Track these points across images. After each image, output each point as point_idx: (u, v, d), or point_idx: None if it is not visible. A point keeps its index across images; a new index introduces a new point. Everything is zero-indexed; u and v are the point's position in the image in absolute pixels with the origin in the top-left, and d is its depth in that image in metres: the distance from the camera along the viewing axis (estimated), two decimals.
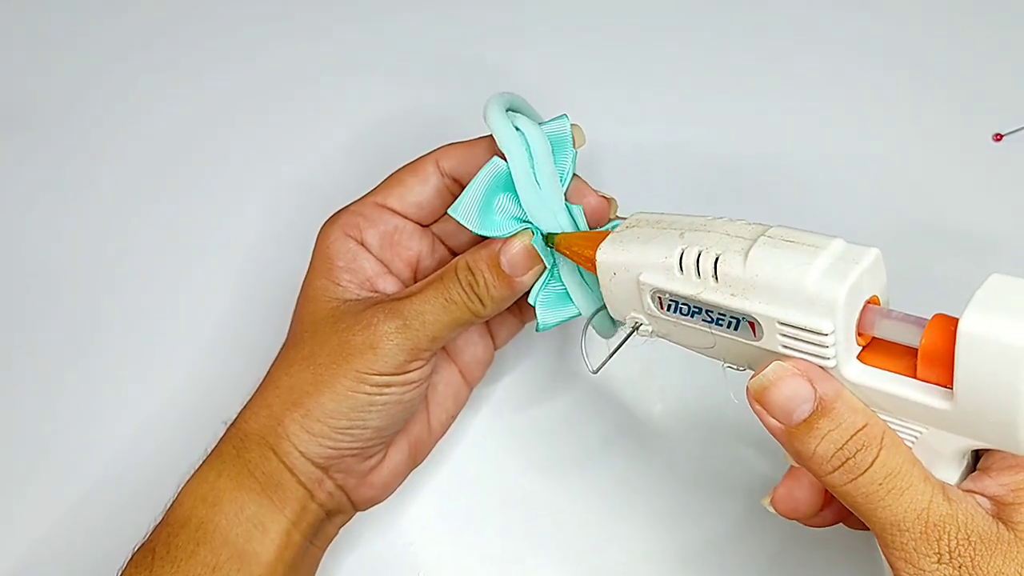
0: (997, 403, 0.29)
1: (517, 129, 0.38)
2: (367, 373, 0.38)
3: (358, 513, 0.43)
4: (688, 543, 0.46)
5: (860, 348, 0.33)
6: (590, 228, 0.40)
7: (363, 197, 0.42)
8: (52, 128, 0.56)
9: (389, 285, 0.41)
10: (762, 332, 0.32)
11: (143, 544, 0.38)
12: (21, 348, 0.52)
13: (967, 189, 0.51)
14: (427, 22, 0.57)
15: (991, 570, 0.29)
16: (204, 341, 0.51)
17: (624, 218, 0.40)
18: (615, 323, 0.41)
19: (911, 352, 0.31)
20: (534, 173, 0.38)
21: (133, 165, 0.55)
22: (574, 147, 0.39)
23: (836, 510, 0.36)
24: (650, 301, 0.35)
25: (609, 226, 0.40)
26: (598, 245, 0.36)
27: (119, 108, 0.57)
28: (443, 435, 0.45)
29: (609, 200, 0.41)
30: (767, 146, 0.53)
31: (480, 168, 0.38)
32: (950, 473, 0.32)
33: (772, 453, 0.46)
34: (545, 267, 0.39)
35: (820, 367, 0.32)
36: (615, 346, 0.38)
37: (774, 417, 0.32)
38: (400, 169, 0.42)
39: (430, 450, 0.44)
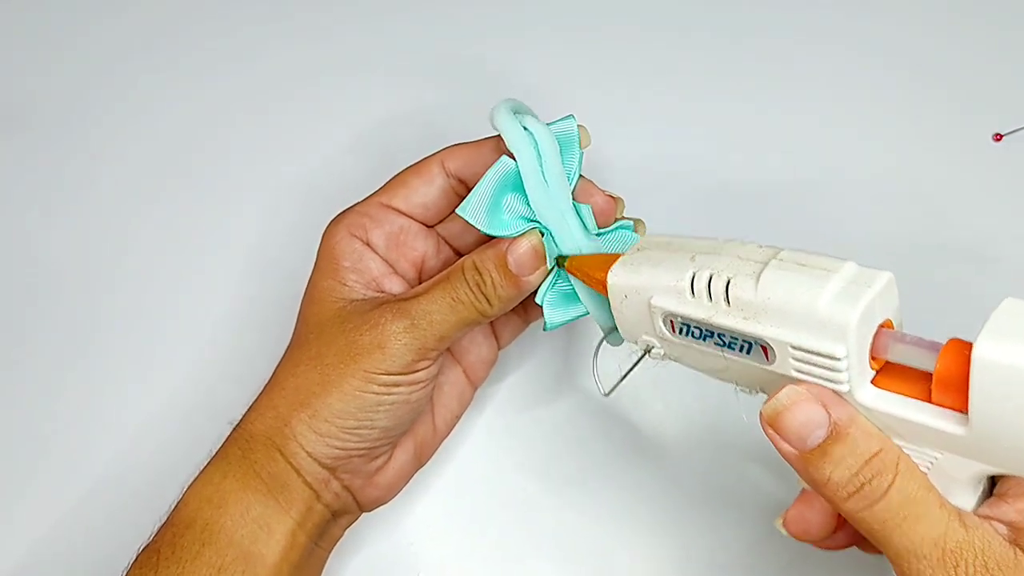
0: (1012, 428, 0.29)
1: (525, 129, 0.38)
2: (375, 373, 0.38)
3: (362, 514, 0.43)
4: (692, 550, 0.46)
5: (874, 372, 0.33)
6: (598, 227, 0.40)
7: (368, 197, 0.42)
8: (52, 128, 0.56)
9: (395, 285, 0.41)
10: (775, 356, 0.32)
11: (148, 545, 0.38)
12: (21, 348, 0.52)
13: (967, 189, 0.51)
14: (428, 22, 0.57)
15: None
16: (207, 342, 0.51)
17: (630, 219, 0.40)
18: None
19: (925, 376, 0.31)
20: (542, 172, 0.38)
21: (133, 165, 0.55)
22: (581, 147, 0.39)
23: (849, 533, 0.36)
24: (662, 324, 0.35)
25: (615, 226, 0.40)
26: (609, 267, 0.36)
27: (119, 108, 0.57)
28: (448, 435, 0.45)
29: (616, 200, 0.41)
30: (766, 146, 0.53)
31: (486, 168, 0.38)
32: (966, 499, 0.32)
33: (779, 470, 0.46)
34: (552, 267, 0.39)
35: (834, 392, 0.32)
36: (626, 369, 0.38)
37: (788, 442, 0.32)
38: (405, 170, 0.42)
39: (435, 450, 0.44)
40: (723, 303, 0.33)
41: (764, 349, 0.32)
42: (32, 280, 0.53)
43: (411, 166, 0.42)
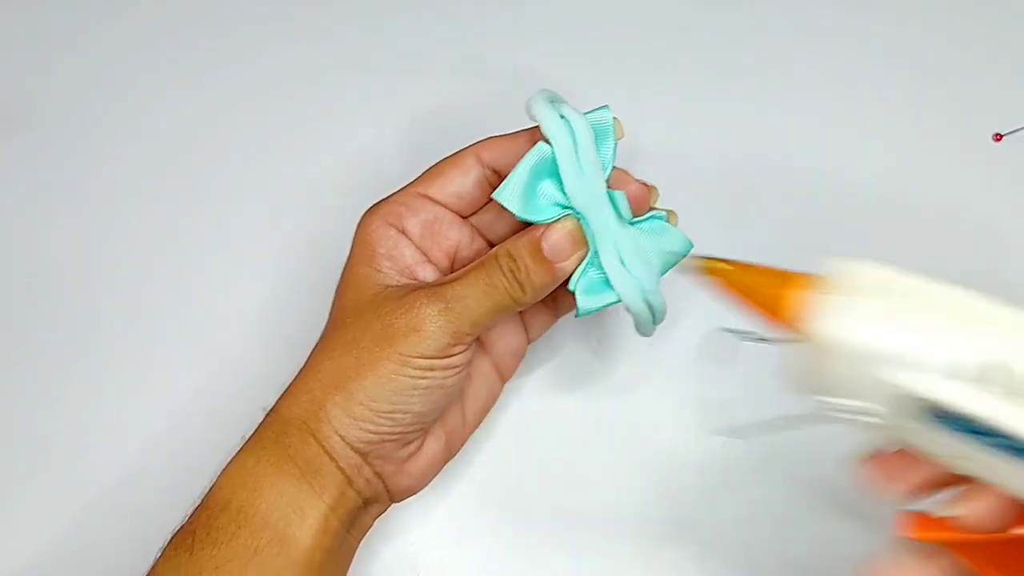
0: None
1: (562, 117, 0.38)
2: (410, 356, 0.38)
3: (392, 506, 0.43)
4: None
5: None
6: (633, 216, 0.40)
7: (404, 188, 0.42)
8: (60, 125, 0.56)
9: (428, 273, 0.42)
10: None
11: (182, 527, 0.39)
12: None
13: (967, 189, 0.52)
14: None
15: None
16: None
17: (663, 209, 0.41)
18: (656, 321, 0.41)
19: None
20: (578, 158, 0.39)
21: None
22: (615, 138, 0.40)
23: None
24: (920, 413, 0.27)
25: (648, 216, 0.41)
26: (784, 286, 0.28)
27: (121, 107, 0.56)
28: (477, 427, 0.45)
29: (650, 188, 0.41)
30: (764, 146, 0.53)
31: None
32: None
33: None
34: (586, 253, 0.39)
35: None
36: (788, 421, 0.31)
37: None
38: (441, 161, 0.43)
39: (464, 442, 0.45)
40: None
41: None
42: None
43: (447, 157, 0.42)
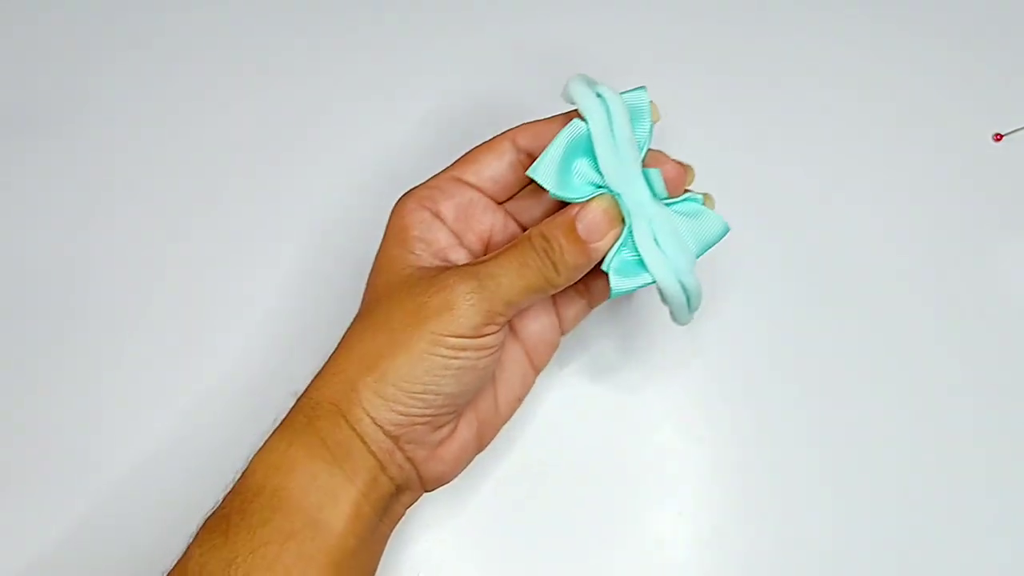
0: None
1: (598, 96, 0.39)
2: (443, 335, 0.38)
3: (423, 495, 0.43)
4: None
5: None
6: (668, 195, 0.40)
7: (440, 172, 0.43)
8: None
9: (461, 257, 0.42)
10: None
11: (216, 511, 0.38)
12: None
13: (967, 189, 0.52)
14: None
15: None
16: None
17: (698, 192, 0.41)
18: (691, 307, 0.41)
19: None
20: (613, 135, 0.39)
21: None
22: (652, 119, 0.40)
23: None
24: None
25: (684, 197, 0.41)
26: None
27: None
28: (509, 418, 0.44)
29: (686, 168, 0.41)
30: (764, 145, 0.54)
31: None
32: None
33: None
34: (620, 233, 0.39)
35: None
36: None
37: None
38: (477, 146, 0.43)
39: (496, 433, 0.44)
40: None
41: None
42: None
43: (483, 142, 0.43)
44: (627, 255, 0.40)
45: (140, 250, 0.53)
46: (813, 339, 0.50)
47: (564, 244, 0.39)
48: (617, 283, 0.39)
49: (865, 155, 0.53)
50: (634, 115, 0.39)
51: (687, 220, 0.40)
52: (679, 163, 0.41)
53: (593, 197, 0.39)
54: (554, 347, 0.45)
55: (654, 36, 0.56)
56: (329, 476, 0.38)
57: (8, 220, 0.54)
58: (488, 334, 0.39)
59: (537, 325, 0.44)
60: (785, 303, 0.51)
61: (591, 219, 0.39)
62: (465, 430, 0.42)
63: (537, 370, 0.45)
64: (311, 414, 0.39)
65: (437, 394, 0.39)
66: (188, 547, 0.38)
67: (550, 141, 0.39)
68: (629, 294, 0.41)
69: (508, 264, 0.39)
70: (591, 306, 0.45)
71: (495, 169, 0.42)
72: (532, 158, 0.41)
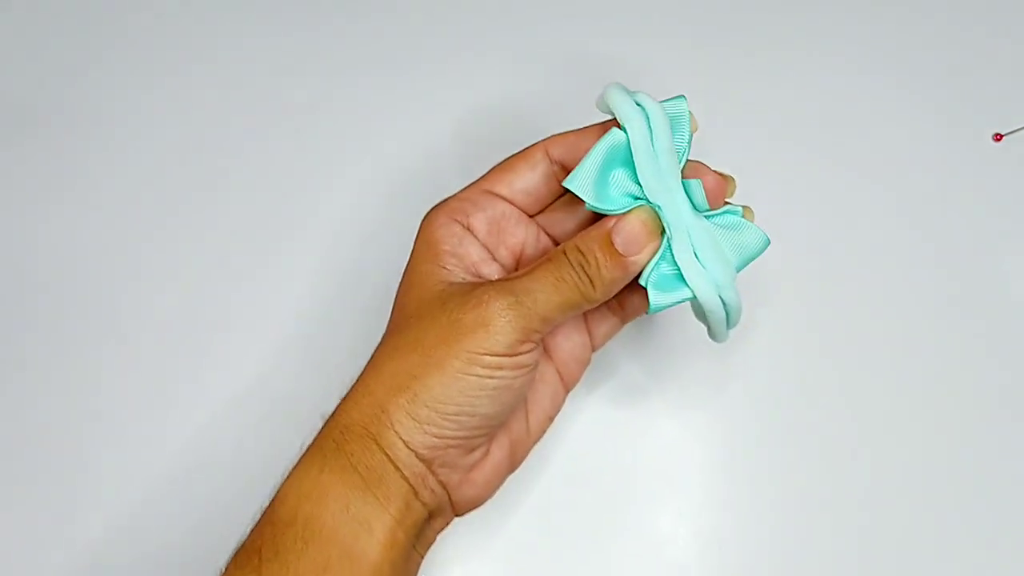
0: None
1: (637, 104, 0.37)
2: (479, 353, 0.36)
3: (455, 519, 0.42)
4: None
5: None
6: (709, 207, 0.39)
7: (470, 184, 0.41)
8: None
9: (493, 272, 0.40)
10: None
11: (245, 543, 0.37)
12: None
13: (967, 189, 0.52)
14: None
15: None
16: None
17: (738, 205, 0.40)
18: (731, 323, 0.40)
19: None
20: (653, 145, 0.37)
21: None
22: (691, 129, 0.39)
23: None
24: None
25: (724, 210, 0.39)
26: None
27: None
28: (540, 437, 0.43)
29: (727, 179, 0.40)
30: (762, 145, 0.53)
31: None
32: None
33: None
34: (659, 246, 0.38)
35: None
36: None
37: None
38: (509, 157, 0.41)
39: (528, 452, 0.43)
40: None
41: None
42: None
43: (514, 154, 0.41)
44: (666, 269, 0.38)
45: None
46: (812, 339, 0.50)
47: (600, 258, 0.37)
48: (656, 298, 0.38)
49: (865, 155, 0.53)
50: (673, 124, 0.38)
51: (727, 233, 0.39)
52: (720, 174, 0.39)
53: (631, 209, 0.38)
54: (585, 364, 0.44)
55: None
56: (363, 503, 0.36)
57: (9, 221, 0.53)
58: (524, 352, 0.37)
59: (568, 343, 0.43)
60: (784, 304, 0.51)
61: (629, 231, 0.37)
62: (497, 452, 0.40)
63: (568, 388, 0.44)
64: (340, 438, 0.37)
65: (472, 415, 0.37)
66: None
67: (584, 152, 0.38)
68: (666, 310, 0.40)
69: (543, 279, 0.37)
70: (623, 322, 0.44)
71: (528, 181, 0.41)
72: (566, 169, 0.40)
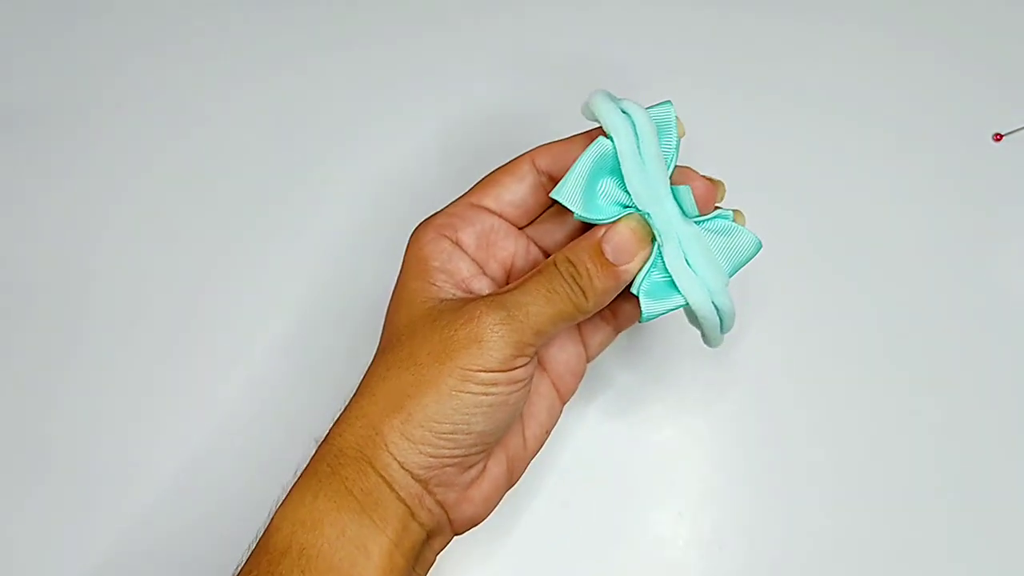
0: None
1: (623, 112, 0.37)
2: (473, 370, 0.36)
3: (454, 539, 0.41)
4: None
5: None
6: (699, 212, 0.38)
7: (457, 199, 0.41)
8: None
9: (484, 286, 0.40)
10: None
11: (241, 573, 0.36)
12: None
13: (966, 189, 0.52)
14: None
15: None
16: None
17: (728, 209, 0.39)
18: (724, 328, 0.40)
19: None
20: (640, 153, 0.37)
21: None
22: (678, 134, 0.38)
23: None
24: None
25: (714, 215, 0.39)
26: None
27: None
28: (538, 451, 0.43)
29: (716, 184, 0.39)
30: (762, 144, 0.53)
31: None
32: None
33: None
34: (650, 254, 0.37)
35: None
36: None
37: None
38: (495, 170, 0.41)
39: (526, 466, 0.42)
40: None
41: None
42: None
43: (501, 166, 0.41)
44: (657, 277, 0.38)
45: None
46: (812, 339, 0.50)
47: (591, 268, 0.37)
48: (648, 307, 0.38)
49: (864, 156, 0.53)
50: (660, 130, 0.38)
51: (718, 238, 0.38)
52: (709, 179, 0.39)
53: (621, 217, 0.37)
54: (580, 375, 0.43)
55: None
56: (359, 527, 0.36)
57: (9, 221, 0.52)
58: (518, 367, 0.37)
59: (563, 354, 0.42)
60: (784, 305, 0.50)
61: (619, 240, 0.37)
62: (495, 468, 0.40)
63: (564, 400, 0.43)
64: (334, 462, 0.37)
65: (467, 433, 0.37)
66: None
67: (572, 161, 0.37)
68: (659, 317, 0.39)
69: (535, 292, 0.37)
70: (617, 331, 0.44)
71: (515, 193, 0.40)
72: (553, 180, 0.40)
